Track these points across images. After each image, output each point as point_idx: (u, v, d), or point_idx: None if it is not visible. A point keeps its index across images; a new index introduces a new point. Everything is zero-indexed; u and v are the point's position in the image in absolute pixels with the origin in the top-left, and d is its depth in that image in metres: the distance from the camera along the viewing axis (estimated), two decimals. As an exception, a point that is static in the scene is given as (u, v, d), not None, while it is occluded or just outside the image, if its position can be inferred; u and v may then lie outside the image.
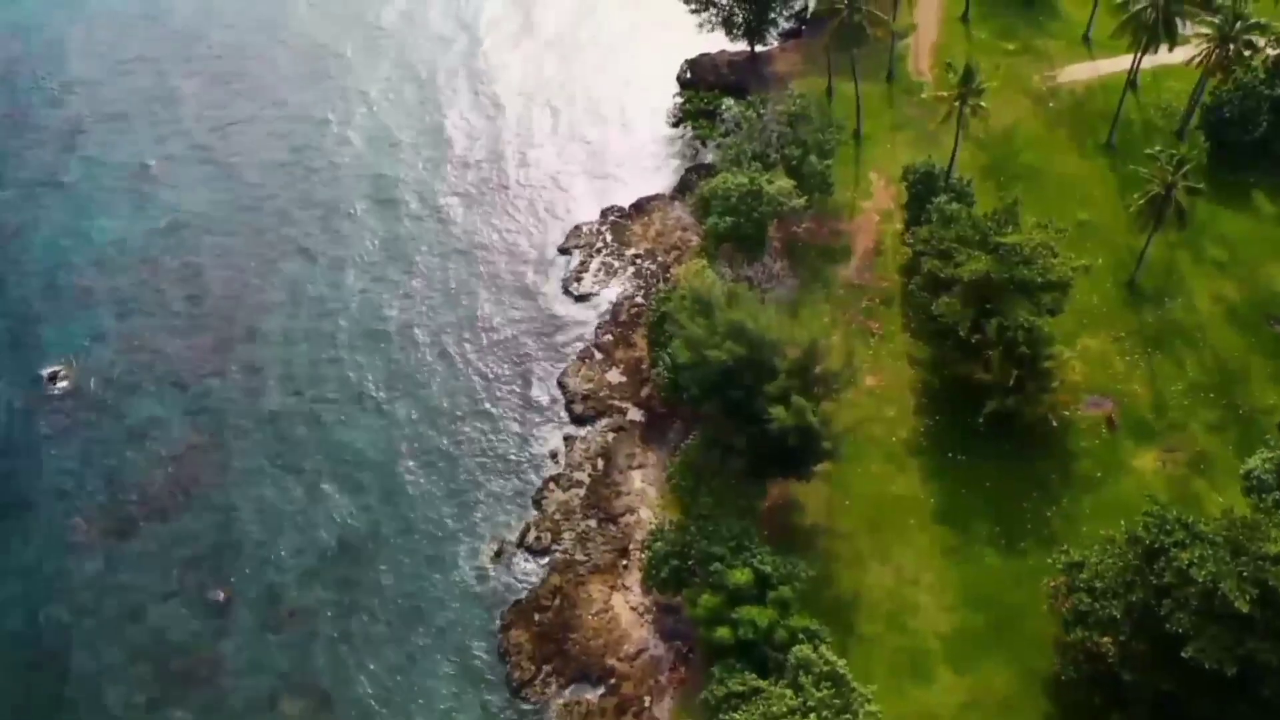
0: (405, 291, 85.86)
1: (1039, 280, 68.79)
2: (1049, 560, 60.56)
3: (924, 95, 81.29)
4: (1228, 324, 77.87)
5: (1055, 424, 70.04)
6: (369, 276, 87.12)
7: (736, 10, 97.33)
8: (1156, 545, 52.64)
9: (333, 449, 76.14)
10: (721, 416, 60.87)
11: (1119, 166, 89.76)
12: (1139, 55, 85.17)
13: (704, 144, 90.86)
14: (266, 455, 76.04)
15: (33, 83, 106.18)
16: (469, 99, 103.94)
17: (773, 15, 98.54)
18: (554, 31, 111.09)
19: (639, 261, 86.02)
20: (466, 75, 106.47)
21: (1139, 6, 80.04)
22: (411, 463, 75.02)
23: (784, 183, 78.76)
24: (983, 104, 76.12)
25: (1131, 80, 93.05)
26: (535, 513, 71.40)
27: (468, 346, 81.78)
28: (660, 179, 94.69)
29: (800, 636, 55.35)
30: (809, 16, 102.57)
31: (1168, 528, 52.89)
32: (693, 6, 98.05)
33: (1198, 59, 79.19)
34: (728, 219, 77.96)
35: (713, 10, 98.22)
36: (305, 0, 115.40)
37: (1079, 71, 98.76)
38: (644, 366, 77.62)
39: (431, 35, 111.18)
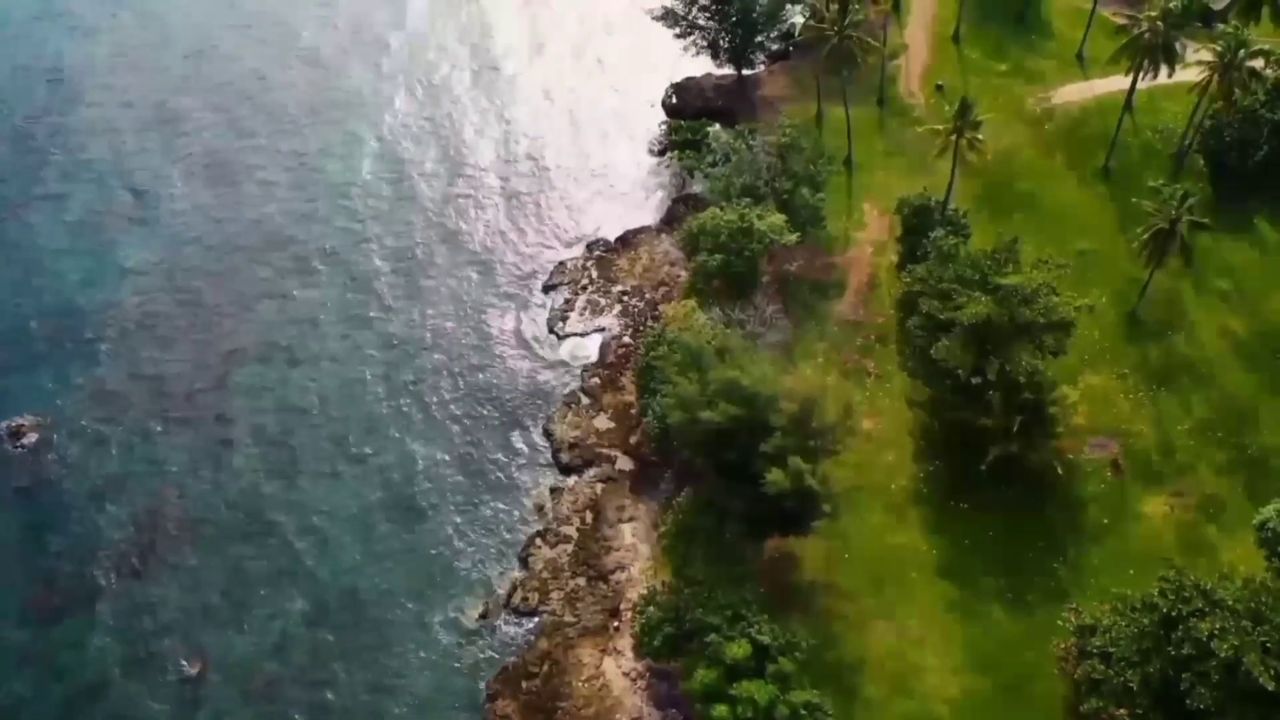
0: (384, 336, 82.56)
1: (1041, 321, 66.26)
2: (1060, 623, 57.91)
3: (919, 130, 78.61)
4: (1234, 358, 75.48)
5: (1060, 470, 67.48)
6: (345, 321, 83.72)
7: (722, 35, 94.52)
8: (1174, 613, 50.13)
9: (307, 505, 72.86)
10: (715, 476, 57.98)
11: (1117, 193, 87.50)
12: (1136, 79, 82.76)
13: (691, 175, 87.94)
14: (239, 512, 72.73)
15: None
16: (448, 131, 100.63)
17: (759, 39, 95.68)
18: (533, 58, 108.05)
19: (626, 299, 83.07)
20: (445, 107, 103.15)
21: (1139, 31, 77.64)
22: (390, 518, 71.84)
23: (775, 218, 76.01)
24: (979, 137, 73.49)
25: (1128, 102, 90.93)
26: (522, 571, 68.36)
27: (449, 393, 78.61)
28: (646, 210, 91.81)
29: (802, 712, 52.53)
30: (796, 37, 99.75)
31: (1185, 595, 50.42)
32: (677, 31, 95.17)
33: (1198, 86, 76.77)
34: (717, 257, 75.21)
35: (698, 34, 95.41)
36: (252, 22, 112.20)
37: (1073, 92, 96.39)
38: (633, 411, 74.68)
39: (408, 68, 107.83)
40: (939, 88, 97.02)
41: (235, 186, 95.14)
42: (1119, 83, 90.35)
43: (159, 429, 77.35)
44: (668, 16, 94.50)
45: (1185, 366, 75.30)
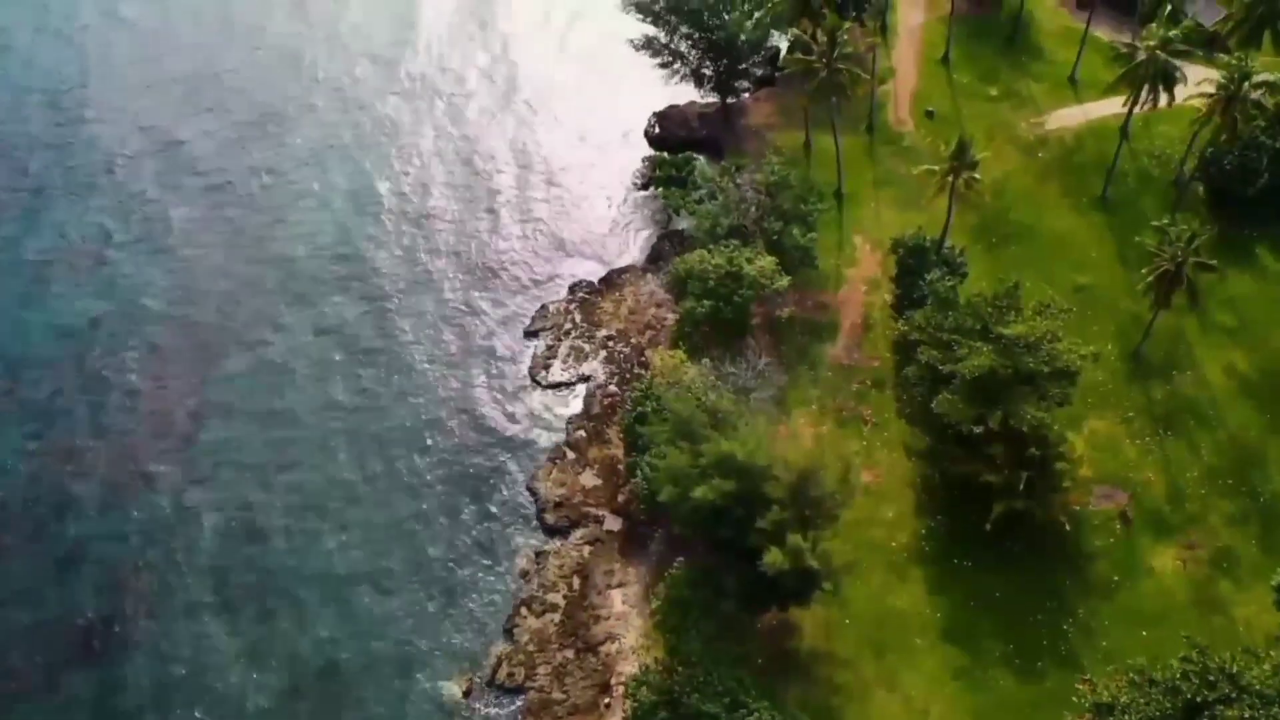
0: (358, 389, 78.78)
1: (1045, 370, 63.52)
2: (1074, 699, 54.99)
3: (916, 171, 75.70)
4: (1241, 399, 72.95)
5: (1066, 524, 64.70)
6: (317, 373, 79.90)
7: (705, 63, 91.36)
8: (1199, 699, 47.39)
9: (280, 572, 69.18)
10: (709, 551, 54.89)
11: (1115, 222, 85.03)
12: (1134, 109, 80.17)
13: (677, 213, 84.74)
14: (208, 582, 68.96)
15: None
16: (421, 169, 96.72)
17: (744, 66, 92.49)
18: (510, 89, 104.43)
19: (611, 344, 79.79)
20: (417, 144, 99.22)
21: (1138, 60, 74.97)
22: (368, 586, 68.24)
23: (765, 262, 72.99)
24: (976, 176, 70.64)
25: (1124, 130, 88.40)
26: (507, 643, 64.94)
27: (427, 449, 74.99)
28: (630, 248, 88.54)
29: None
30: (782, 69, 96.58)
31: (1210, 679, 47.66)
32: (660, 61, 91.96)
33: (1199, 120, 74.20)
34: (706, 303, 72.12)
35: (680, 62, 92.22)
36: (248, 62, 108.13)
37: (1067, 117, 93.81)
38: (620, 467, 71.44)
39: (382, 96, 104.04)
40: (929, 114, 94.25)
41: (202, 229, 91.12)
42: (1113, 106, 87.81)
43: (123, 493, 73.41)
44: (649, 45, 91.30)
45: (1191, 408, 72.75)
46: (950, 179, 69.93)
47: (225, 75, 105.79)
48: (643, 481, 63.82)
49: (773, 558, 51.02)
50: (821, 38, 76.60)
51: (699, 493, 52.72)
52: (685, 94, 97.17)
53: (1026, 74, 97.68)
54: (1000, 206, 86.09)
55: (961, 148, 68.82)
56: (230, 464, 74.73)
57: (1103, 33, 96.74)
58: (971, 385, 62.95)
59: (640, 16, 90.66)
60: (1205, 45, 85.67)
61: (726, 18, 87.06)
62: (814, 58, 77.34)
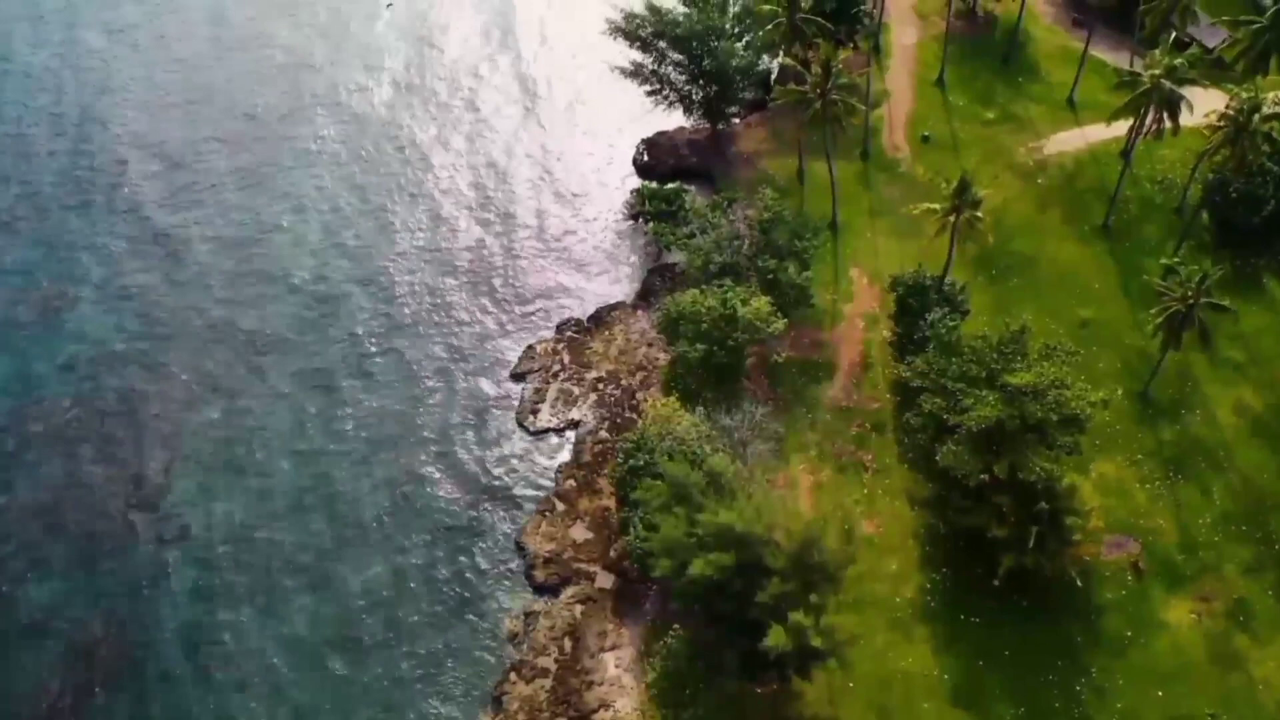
0: (338, 438, 75.69)
1: (1053, 418, 60.97)
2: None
3: (915, 211, 72.99)
4: (1253, 439, 70.60)
5: (1077, 579, 62.20)
6: (295, 421, 76.82)
7: (694, 89, 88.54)
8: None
9: (255, 636, 66.11)
10: (706, 625, 52.17)
11: (1118, 251, 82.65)
12: (1136, 140, 77.82)
13: (668, 248, 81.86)
14: (179, 649, 65.93)
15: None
16: (401, 199, 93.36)
17: (734, 90, 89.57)
18: (492, 114, 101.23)
19: (601, 386, 76.91)
20: (399, 173, 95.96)
21: (1141, 88, 72.51)
22: (348, 651, 65.25)
23: (759, 303, 70.25)
24: (979, 215, 68.03)
25: (1127, 158, 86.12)
26: (495, 712, 61.97)
27: (411, 502, 71.94)
28: (619, 283, 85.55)
29: None
30: (774, 100, 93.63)
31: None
32: (647, 88, 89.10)
33: (1206, 152, 71.84)
34: (699, 348, 69.40)
35: (669, 89, 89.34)
36: (224, 88, 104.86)
37: (1066, 140, 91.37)
38: (612, 519, 68.68)
39: (359, 133, 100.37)
40: (925, 139, 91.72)
41: (175, 268, 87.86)
42: (1113, 129, 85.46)
43: (93, 552, 70.30)
44: (637, 73, 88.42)
45: (1202, 450, 70.33)
46: (952, 218, 67.19)
47: (200, 104, 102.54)
48: (635, 541, 61.04)
49: (776, 638, 48.33)
50: (816, 69, 73.81)
51: (696, 568, 49.99)
52: (674, 119, 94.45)
53: (1023, 95, 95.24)
54: (1000, 236, 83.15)
55: (963, 186, 66.19)
56: (203, 520, 71.62)
57: (1100, 52, 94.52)
58: (977, 435, 60.43)
59: (627, 43, 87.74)
60: (1211, 67, 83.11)
61: (716, 44, 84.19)
62: (808, 88, 74.69)
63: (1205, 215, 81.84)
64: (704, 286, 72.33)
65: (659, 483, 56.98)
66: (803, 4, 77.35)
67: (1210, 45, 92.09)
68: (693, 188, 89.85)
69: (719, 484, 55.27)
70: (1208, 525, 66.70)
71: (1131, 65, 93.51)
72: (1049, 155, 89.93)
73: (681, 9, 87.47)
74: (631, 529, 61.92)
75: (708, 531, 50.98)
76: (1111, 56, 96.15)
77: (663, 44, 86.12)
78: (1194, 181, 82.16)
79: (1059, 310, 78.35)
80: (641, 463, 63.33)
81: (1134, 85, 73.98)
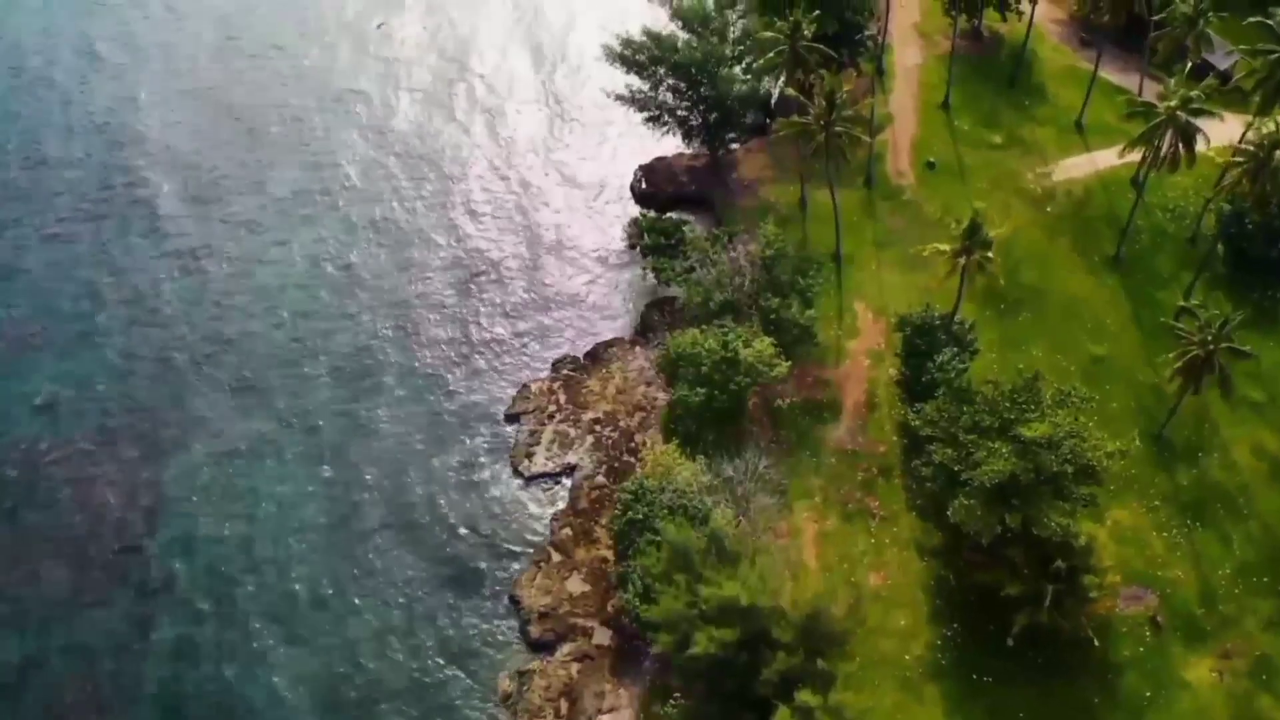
0: (325, 482, 72.96)
1: (1069, 470, 58.53)
2: None
3: (925, 253, 70.38)
4: (1273, 483, 68.23)
5: (1094, 637, 59.72)
6: (282, 463, 74.08)
7: (694, 115, 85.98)
8: None
9: (235, 698, 63.15)
10: (707, 699, 49.70)
11: (1130, 284, 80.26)
12: (1149, 173, 75.40)
13: (667, 284, 79.24)
14: (161, 705, 63.25)
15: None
16: (393, 229, 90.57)
17: (735, 118, 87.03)
18: (485, 140, 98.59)
19: (598, 428, 74.36)
20: (390, 201, 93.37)
21: (1155, 121, 70.08)
22: (332, 712, 62.40)
23: (762, 345, 67.79)
24: (989, 255, 65.57)
25: (1139, 189, 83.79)
26: (488, 782, 59.84)
27: (399, 552, 69.22)
28: (617, 318, 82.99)
29: None
30: (773, 108, 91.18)
31: None
32: (645, 115, 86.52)
33: (1224, 189, 69.50)
34: (700, 392, 66.90)
35: (667, 115, 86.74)
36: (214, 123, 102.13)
37: (1075, 167, 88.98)
38: (609, 571, 66.16)
39: (348, 156, 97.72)
40: (930, 165, 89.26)
41: (160, 299, 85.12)
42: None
43: (70, 605, 67.47)
44: (634, 100, 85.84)
45: (1221, 496, 67.98)
46: (962, 260, 64.72)
47: (189, 135, 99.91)
48: (633, 599, 58.56)
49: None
50: (819, 100, 71.31)
51: (699, 645, 47.56)
52: (672, 145, 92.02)
53: (1030, 118, 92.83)
54: (1008, 266, 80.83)
55: (974, 227, 63.73)
56: (185, 569, 68.97)
57: (1108, 73, 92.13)
58: (990, 489, 57.96)
59: (624, 69, 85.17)
60: (1223, 91, 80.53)
61: (716, 72, 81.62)
62: (810, 120, 72.18)
63: (1219, 246, 79.55)
64: (704, 326, 69.86)
65: (658, 550, 54.47)
66: (805, 30, 74.79)
67: (1221, 68, 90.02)
68: (692, 217, 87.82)
69: (721, 546, 52.79)
70: (1227, 576, 64.34)
71: (1141, 88, 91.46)
72: (1057, 182, 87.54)
73: (680, 34, 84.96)
74: (630, 586, 59.41)
75: (710, 605, 48.54)
76: (1120, 78, 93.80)
77: (661, 70, 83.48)
78: (1208, 211, 79.92)
79: (1070, 346, 76.02)
80: (640, 515, 60.86)
81: (1148, 116, 71.60)
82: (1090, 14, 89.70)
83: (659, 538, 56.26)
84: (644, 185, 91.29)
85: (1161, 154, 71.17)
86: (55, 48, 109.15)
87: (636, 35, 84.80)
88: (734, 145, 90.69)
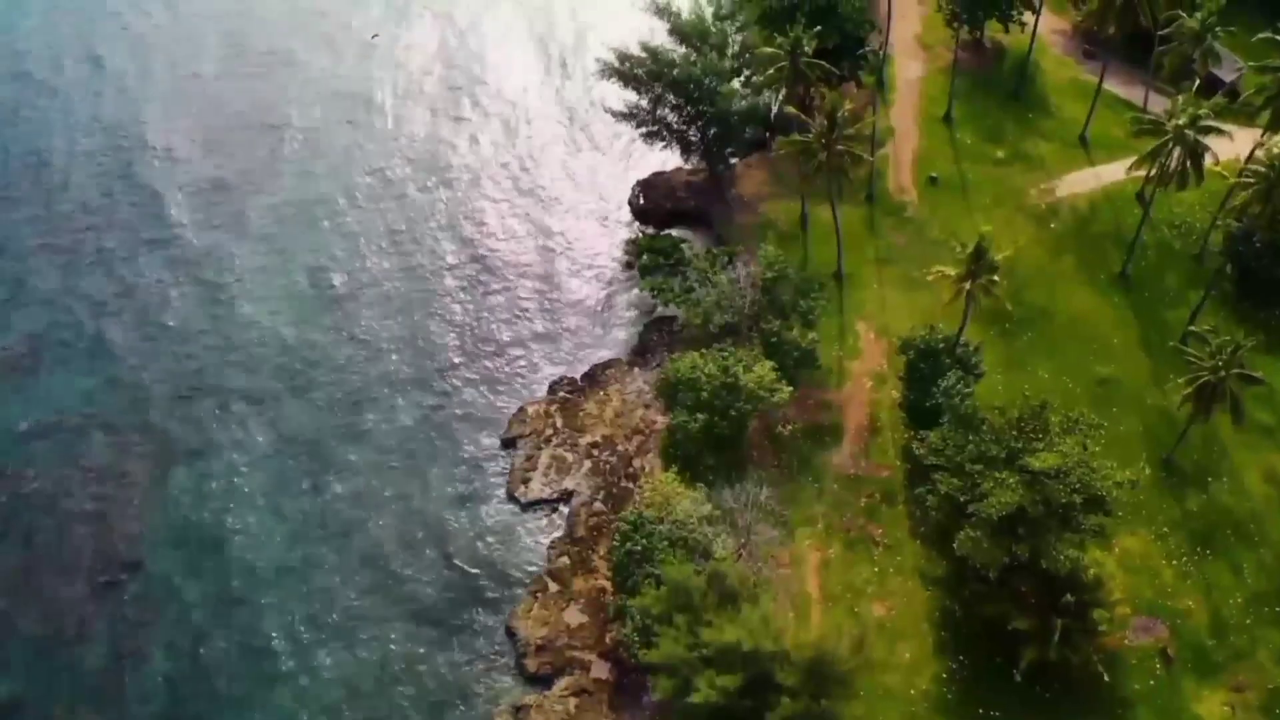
0: (315, 510, 71.20)
1: (1078, 500, 57.18)
2: None
3: (929, 277, 69.08)
4: (1283, 509, 67.15)
5: (1104, 672, 58.32)
6: (270, 491, 72.26)
7: (693, 131, 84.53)
8: None
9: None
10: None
11: (1136, 302, 78.97)
12: (1155, 193, 74.10)
13: (666, 304, 77.74)
14: (149, 745, 61.91)
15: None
16: (383, 246, 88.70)
17: (735, 134, 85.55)
18: (482, 155, 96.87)
19: (596, 453, 72.85)
20: (382, 215, 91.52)
21: (1163, 139, 68.76)
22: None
23: (763, 369, 66.34)
24: (995, 279, 64.19)
25: (1140, 194, 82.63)
26: (484, 824, 58.31)
27: (391, 582, 67.49)
28: (614, 337, 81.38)
29: None
30: (773, 120, 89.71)
31: None
32: (643, 131, 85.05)
33: (1235, 209, 68.23)
34: (699, 418, 65.45)
35: (666, 131, 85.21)
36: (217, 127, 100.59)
37: (1079, 181, 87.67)
38: (607, 600, 64.71)
39: (336, 173, 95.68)
40: (932, 180, 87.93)
41: (149, 320, 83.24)
42: (1126, 167, 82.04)
43: (53, 641, 65.47)
44: (632, 115, 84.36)
45: (1231, 522, 66.69)
46: (967, 284, 63.33)
47: (183, 147, 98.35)
48: (633, 634, 57.10)
49: (787, 771, 44.60)
50: (820, 119, 69.91)
51: (700, 694, 46.16)
52: (671, 158, 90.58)
53: (1034, 132, 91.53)
54: (1012, 285, 78.99)
55: (979, 252, 62.36)
56: (173, 602, 67.22)
57: (1113, 86, 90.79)
58: (997, 521, 56.62)
59: (621, 84, 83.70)
60: (1230, 103, 79.17)
61: (716, 87, 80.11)
62: (811, 138, 70.78)
63: (1227, 264, 78.21)
64: (703, 350, 68.42)
65: (657, 589, 53.06)
66: (805, 46, 73.41)
67: (1227, 80, 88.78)
68: (691, 233, 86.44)
69: (722, 585, 51.38)
70: (1239, 606, 63.02)
71: (1146, 101, 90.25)
72: (1061, 197, 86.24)
73: (678, 48, 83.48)
74: (629, 621, 57.94)
75: (712, 649, 47.16)
76: (1125, 91, 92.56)
77: (659, 86, 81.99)
78: (1215, 228, 78.63)
79: (1076, 368, 74.69)
80: (639, 547, 59.41)
81: (1155, 133, 70.31)
82: (1095, 27, 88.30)
83: (658, 570, 54.78)
84: (642, 201, 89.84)
85: (1169, 172, 69.90)
86: (58, 57, 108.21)
87: (634, 50, 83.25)
88: (733, 160, 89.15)
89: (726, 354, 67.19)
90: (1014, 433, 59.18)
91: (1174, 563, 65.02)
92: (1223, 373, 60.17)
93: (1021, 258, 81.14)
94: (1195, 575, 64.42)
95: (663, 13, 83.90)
